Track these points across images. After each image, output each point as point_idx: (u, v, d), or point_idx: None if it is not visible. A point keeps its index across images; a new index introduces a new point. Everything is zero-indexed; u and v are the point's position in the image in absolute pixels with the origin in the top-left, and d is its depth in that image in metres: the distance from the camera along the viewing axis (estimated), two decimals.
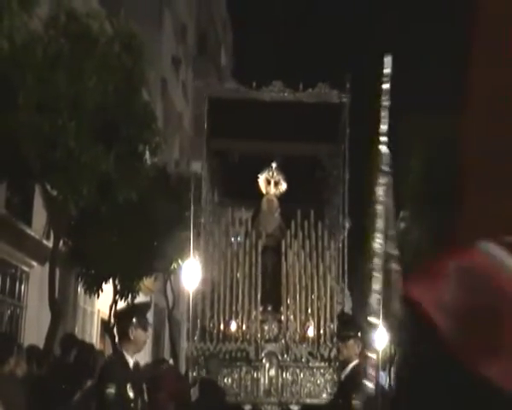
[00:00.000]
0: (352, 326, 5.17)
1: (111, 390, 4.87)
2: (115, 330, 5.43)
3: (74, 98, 8.59)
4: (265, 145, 11.00)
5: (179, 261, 15.89)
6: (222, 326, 10.21)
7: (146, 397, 5.33)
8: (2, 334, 9.65)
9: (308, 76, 10.84)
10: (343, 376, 4.97)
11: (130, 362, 5.26)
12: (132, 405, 5.02)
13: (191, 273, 17.00)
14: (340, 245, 10.25)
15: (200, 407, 7.93)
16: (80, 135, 8.63)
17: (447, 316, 2.28)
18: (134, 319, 5.26)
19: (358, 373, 4.99)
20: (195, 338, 10.15)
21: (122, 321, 5.31)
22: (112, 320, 14.74)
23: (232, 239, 11.60)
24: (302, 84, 10.31)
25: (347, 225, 10.27)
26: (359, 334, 5.00)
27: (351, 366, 4.94)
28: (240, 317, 10.20)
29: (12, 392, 5.58)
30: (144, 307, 5.83)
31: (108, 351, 14.53)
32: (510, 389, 2.20)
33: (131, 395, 5.01)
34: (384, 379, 21.02)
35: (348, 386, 4.70)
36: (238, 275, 10.45)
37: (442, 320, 2.29)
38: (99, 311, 18.04)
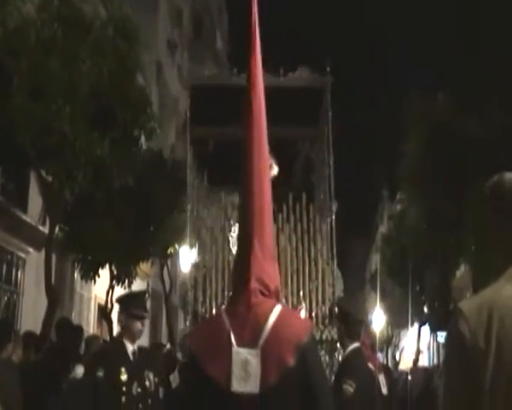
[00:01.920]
0: (358, 323, 5.16)
1: (100, 373, 4.92)
2: (115, 316, 5.47)
3: (68, 83, 8.54)
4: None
5: (176, 246, 15.94)
6: (214, 311, 10.23)
7: (147, 382, 5.35)
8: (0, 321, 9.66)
9: (290, 60, 10.85)
10: (341, 358, 4.97)
11: (130, 348, 5.29)
12: (124, 388, 5.04)
13: (187, 258, 17.04)
14: (329, 228, 10.30)
15: (179, 390, 7.86)
16: (75, 120, 8.59)
17: None
18: (129, 307, 5.29)
19: (355, 357, 5.01)
20: (187, 323, 10.18)
21: (121, 308, 5.35)
22: (108, 306, 14.78)
23: (225, 224, 11.61)
24: (282, 69, 10.34)
25: (334, 207, 10.31)
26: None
27: (348, 350, 4.93)
28: None
29: (9, 378, 5.60)
30: (139, 295, 5.85)
31: (105, 336, 14.59)
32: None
33: (124, 378, 5.03)
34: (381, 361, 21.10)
35: (343, 369, 4.70)
36: (230, 259, 10.47)
37: None
38: (96, 296, 18.07)
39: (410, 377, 13.98)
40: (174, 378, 8.63)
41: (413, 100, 14.77)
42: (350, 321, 4.97)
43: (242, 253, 2.96)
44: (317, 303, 9.78)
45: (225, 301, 10.18)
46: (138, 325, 5.38)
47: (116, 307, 5.52)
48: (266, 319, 2.79)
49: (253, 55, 3.30)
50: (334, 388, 3.85)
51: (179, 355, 10.93)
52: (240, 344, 2.75)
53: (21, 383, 5.72)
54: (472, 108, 13.81)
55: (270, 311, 2.82)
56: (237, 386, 2.71)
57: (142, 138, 10.33)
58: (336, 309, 5.18)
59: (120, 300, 5.50)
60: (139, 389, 5.23)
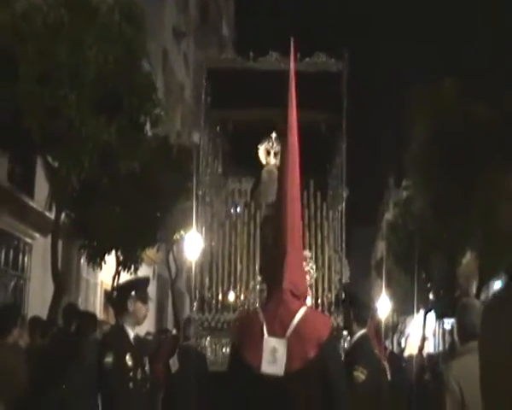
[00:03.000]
0: (366, 309, 5.15)
1: (109, 359, 4.93)
2: (114, 302, 5.47)
3: (75, 69, 8.55)
4: (264, 116, 10.98)
5: (182, 232, 15.98)
6: (220, 296, 10.26)
7: (147, 368, 5.39)
8: (5, 305, 9.71)
9: (306, 46, 10.81)
10: (349, 346, 4.96)
11: (131, 334, 5.32)
12: (131, 374, 5.08)
13: (194, 244, 17.08)
14: (339, 215, 10.28)
15: (182, 376, 7.87)
16: (81, 106, 8.60)
17: None
18: (133, 293, 5.30)
19: (364, 343, 5.01)
20: (194, 309, 10.21)
21: (121, 294, 5.36)
22: (115, 292, 14.86)
23: (232, 210, 11.63)
24: (300, 54, 10.30)
25: (345, 194, 10.30)
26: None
27: (356, 336, 4.91)
28: (238, 287, 10.26)
29: (15, 363, 5.64)
30: (144, 281, 5.87)
31: (111, 321, 14.68)
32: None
33: (130, 364, 5.06)
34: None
35: (353, 356, 4.69)
36: (237, 245, 10.49)
37: None
38: (102, 282, 18.16)
39: (414, 364, 14.02)
40: (173, 363, 8.64)
41: (419, 86, 14.69)
42: (358, 307, 4.96)
43: (278, 260, 3.50)
44: (323, 290, 9.81)
45: (231, 287, 10.23)
46: (145, 309, 5.41)
47: (118, 293, 5.50)
48: (294, 316, 3.34)
49: (292, 103, 4.02)
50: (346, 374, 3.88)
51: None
52: (270, 334, 3.31)
53: (28, 367, 5.77)
54: (479, 92, 13.74)
55: (298, 309, 3.38)
56: (266, 368, 3.28)
57: (148, 125, 10.34)
58: (343, 295, 5.16)
59: (130, 284, 5.50)
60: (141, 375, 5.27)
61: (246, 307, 10.02)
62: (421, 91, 14.72)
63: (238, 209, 11.43)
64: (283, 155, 3.86)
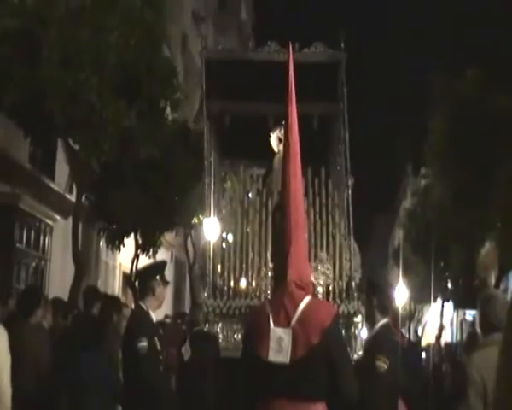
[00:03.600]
0: (390, 297, 5.12)
1: (144, 344, 4.99)
2: (137, 287, 5.53)
3: (96, 53, 8.59)
4: (264, 105, 11.00)
5: (200, 216, 16.03)
6: (232, 283, 10.30)
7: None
8: (29, 286, 9.83)
9: (305, 36, 10.81)
10: (370, 335, 4.94)
11: (154, 317, 5.39)
12: (161, 357, 5.16)
13: (211, 228, 17.14)
14: (345, 203, 10.29)
15: (195, 361, 7.90)
16: (102, 90, 8.64)
17: None
18: (157, 277, 5.36)
19: (387, 332, 4.99)
20: (205, 294, 10.26)
21: (145, 279, 5.41)
22: (134, 275, 14.95)
23: (239, 196, 11.67)
24: (298, 45, 10.29)
25: (350, 182, 10.30)
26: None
27: (378, 325, 4.88)
28: (250, 274, 10.30)
29: (39, 344, 5.72)
30: (164, 264, 5.94)
31: (130, 304, 14.79)
32: None
33: (159, 347, 5.14)
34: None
35: (375, 345, 4.67)
36: (248, 232, 10.52)
37: None
38: (121, 265, 18.30)
39: (431, 353, 14.03)
40: (186, 350, 8.68)
41: (440, 75, 14.59)
42: (381, 295, 4.93)
43: (282, 255, 3.68)
44: (334, 278, 9.82)
45: (243, 273, 10.29)
46: (165, 291, 5.48)
47: (141, 278, 5.55)
48: (298, 306, 3.53)
49: (291, 104, 4.07)
50: (365, 363, 3.90)
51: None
52: (276, 324, 3.50)
53: (51, 348, 5.86)
54: (501, 82, 13.62)
55: (302, 300, 3.56)
56: (273, 357, 3.47)
57: (168, 109, 10.36)
58: (366, 283, 5.13)
59: (153, 268, 5.55)
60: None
61: (257, 293, 10.07)
62: (442, 81, 14.62)
63: (250, 196, 11.47)
64: (284, 149, 3.96)
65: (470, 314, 15.11)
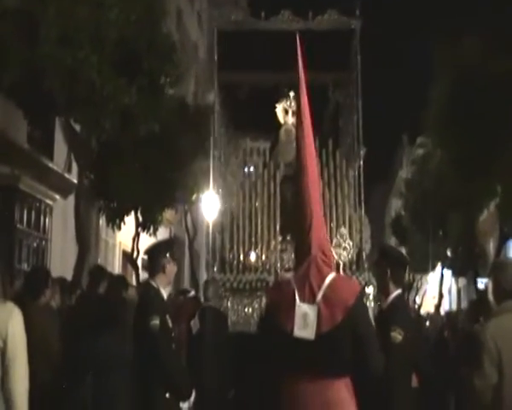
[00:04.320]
0: (404, 267, 5.05)
1: (156, 322, 4.97)
2: (147, 264, 5.51)
3: (96, 31, 8.51)
4: (277, 76, 10.91)
5: (199, 193, 16.01)
6: (242, 257, 10.29)
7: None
8: (37, 267, 9.81)
9: (317, 3, 10.69)
10: (384, 306, 4.89)
11: (164, 295, 5.38)
12: (173, 334, 5.16)
13: (211, 204, 17.11)
14: (356, 173, 10.24)
15: (203, 337, 7.92)
16: (102, 68, 8.57)
17: None
18: (167, 254, 5.35)
19: (401, 304, 4.97)
20: (215, 269, 10.26)
21: (155, 256, 5.39)
22: (135, 253, 14.96)
23: (246, 169, 11.63)
24: (311, 13, 10.19)
25: (362, 152, 10.24)
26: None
27: (391, 296, 4.84)
28: (259, 247, 10.28)
29: (49, 324, 5.71)
30: (173, 241, 5.91)
31: (131, 281, 14.82)
32: None
33: (170, 325, 5.14)
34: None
35: (389, 316, 4.63)
36: (257, 205, 10.48)
37: None
38: (120, 243, 18.31)
39: (430, 321, 14.11)
40: (195, 324, 8.70)
41: (440, 44, 14.49)
42: (396, 266, 4.87)
43: (303, 231, 3.70)
44: (344, 249, 9.82)
45: (252, 247, 10.28)
46: (175, 268, 5.48)
47: (151, 255, 5.54)
48: (323, 282, 3.55)
49: (301, 84, 4.01)
50: (379, 335, 3.88)
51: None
52: (302, 300, 3.53)
53: (62, 327, 5.86)
54: (501, 49, 13.54)
55: (327, 275, 3.58)
56: (298, 332, 3.49)
57: (168, 85, 10.28)
58: (379, 253, 5.04)
59: (164, 245, 5.54)
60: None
61: (267, 266, 10.08)
62: (443, 49, 14.52)
63: (251, 169, 11.45)
64: (297, 124, 3.97)
65: (482, 282, 15.13)
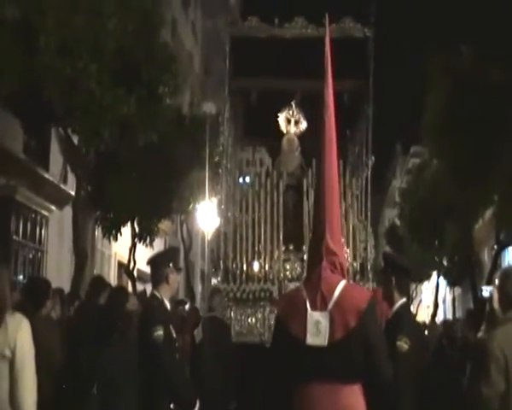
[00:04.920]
0: (389, 263, 5.03)
1: (159, 333, 4.94)
2: (150, 275, 5.49)
3: (94, 40, 8.50)
4: (288, 83, 10.86)
5: (196, 203, 16.00)
6: (245, 267, 10.25)
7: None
8: (38, 278, 9.75)
9: (332, 10, 10.68)
10: (389, 314, 4.87)
11: (168, 305, 5.36)
12: (177, 344, 5.13)
13: (207, 214, 17.09)
14: (364, 182, 10.20)
15: (205, 346, 7.90)
16: (101, 77, 8.56)
17: None
18: (171, 264, 5.32)
19: (406, 312, 4.95)
20: (218, 279, 10.21)
21: (158, 266, 5.36)
22: (132, 263, 14.91)
23: (247, 178, 11.62)
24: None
25: (371, 161, 10.21)
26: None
27: (397, 305, 4.83)
28: (262, 257, 10.25)
29: (51, 336, 5.66)
30: (176, 250, 5.89)
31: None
32: None
33: (174, 335, 5.11)
34: None
35: (395, 325, 4.61)
36: (260, 215, 10.45)
37: None
38: (116, 254, 18.26)
39: (428, 331, 14.08)
40: (198, 333, 8.67)
41: (437, 52, 14.52)
42: (401, 274, 4.86)
43: (316, 239, 3.74)
44: (348, 258, 9.79)
45: (256, 257, 10.24)
46: (177, 277, 5.46)
47: (155, 266, 5.51)
48: (334, 290, 3.57)
49: (327, 85, 4.08)
50: (386, 343, 3.86)
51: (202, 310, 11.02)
52: (313, 308, 3.55)
53: (62, 339, 5.81)
54: (496, 57, 13.58)
55: (337, 284, 3.60)
56: (310, 340, 3.51)
57: (167, 95, 10.27)
58: (383, 263, 5.03)
59: (167, 256, 5.51)
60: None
61: (271, 276, 10.05)
62: (439, 58, 14.56)
63: (256, 177, 11.44)
64: (321, 138, 3.94)
65: (486, 290, 15.11)
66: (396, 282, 4.76)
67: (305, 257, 10.12)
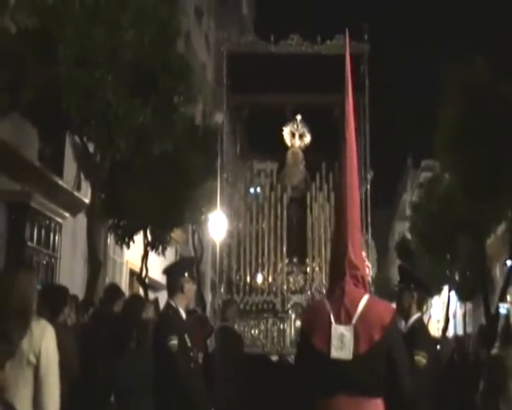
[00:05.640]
0: (407, 277, 5.05)
1: (174, 342, 4.99)
2: (166, 284, 5.53)
3: (112, 51, 8.59)
4: (286, 99, 11.00)
5: (208, 213, 16.04)
6: (248, 279, 10.30)
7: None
8: (56, 285, 9.80)
9: (326, 28, 10.86)
10: (405, 329, 4.87)
11: (184, 315, 5.39)
12: (192, 354, 5.17)
13: (218, 224, 17.11)
14: (363, 197, 10.28)
15: (218, 355, 7.94)
16: (118, 88, 8.64)
17: None
18: (186, 273, 5.36)
19: (423, 327, 4.96)
20: (222, 290, 10.27)
21: (174, 276, 5.40)
22: (144, 272, 14.96)
23: (252, 190, 11.67)
24: (320, 37, 10.31)
25: (370, 176, 10.28)
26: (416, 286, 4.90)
27: (412, 319, 4.84)
28: (266, 269, 10.31)
29: (68, 344, 5.70)
30: (192, 260, 5.94)
31: None
32: None
33: (189, 344, 5.15)
34: None
35: (412, 340, 4.61)
36: (264, 227, 10.52)
37: None
38: (127, 262, 18.32)
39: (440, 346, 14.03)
40: (211, 343, 8.72)
41: (450, 66, 14.50)
42: (421, 289, 4.89)
43: (339, 254, 3.74)
44: None
45: (259, 269, 10.29)
46: (193, 287, 5.50)
47: (170, 275, 5.55)
48: (358, 304, 3.59)
49: (348, 99, 4.05)
50: None
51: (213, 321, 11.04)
52: (337, 322, 3.56)
53: (79, 346, 5.85)
54: (510, 69, 13.55)
55: (361, 297, 3.62)
56: (335, 353, 3.52)
57: (182, 105, 10.35)
58: (401, 276, 5.04)
59: (182, 265, 5.56)
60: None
61: (274, 288, 10.10)
62: (451, 70, 14.55)
63: (258, 189, 11.50)
64: (342, 152, 3.93)
65: (504, 307, 15.05)
66: (417, 297, 4.78)
67: (308, 270, 10.23)
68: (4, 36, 6.65)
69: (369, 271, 9.69)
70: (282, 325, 9.89)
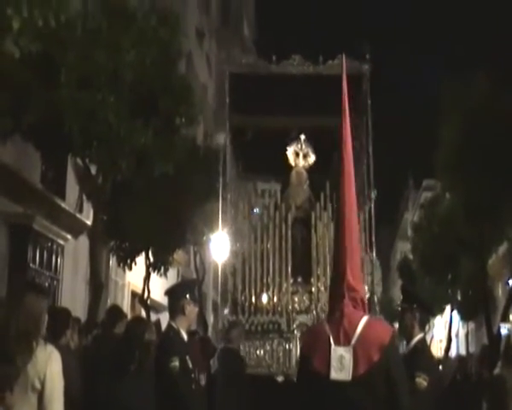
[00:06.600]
0: (410, 297, 5.06)
1: (175, 363, 5.00)
2: (168, 306, 5.55)
3: (113, 73, 8.65)
4: (288, 119, 11.05)
5: (209, 234, 16.06)
6: (253, 299, 10.29)
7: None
8: (58, 308, 9.81)
9: (328, 47, 10.91)
10: (406, 350, 4.88)
11: (185, 336, 5.40)
12: (193, 375, 5.17)
13: (220, 245, 17.13)
14: (367, 216, 10.30)
15: (220, 376, 7.93)
16: (119, 109, 8.69)
17: None
18: (187, 295, 5.37)
19: (425, 348, 4.95)
20: (226, 311, 10.26)
21: (175, 298, 5.42)
22: (146, 293, 14.96)
23: (255, 210, 11.70)
24: (322, 57, 10.37)
25: (373, 195, 10.30)
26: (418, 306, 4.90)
27: (415, 340, 4.84)
28: (271, 289, 10.29)
29: (70, 366, 5.69)
30: (194, 282, 5.95)
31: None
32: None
33: (190, 366, 5.15)
34: None
35: (413, 361, 4.61)
36: (268, 247, 10.52)
37: None
38: (129, 283, 18.31)
39: (443, 366, 13.97)
40: (214, 364, 8.72)
41: (450, 84, 14.52)
42: (423, 309, 4.89)
43: (337, 276, 3.76)
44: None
45: (264, 289, 10.28)
46: (195, 309, 5.51)
47: (171, 297, 5.56)
48: (357, 325, 3.61)
49: (345, 120, 4.23)
50: None
51: (216, 342, 11.02)
52: (336, 344, 3.58)
53: (81, 368, 5.84)
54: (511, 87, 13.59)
55: (360, 319, 3.65)
56: (334, 375, 3.54)
57: (183, 126, 10.40)
58: (404, 296, 5.06)
59: (184, 287, 5.58)
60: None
61: (279, 309, 10.08)
62: (451, 89, 14.58)
63: (257, 210, 11.53)
64: (340, 174, 3.99)
65: (504, 327, 15.01)
66: (420, 317, 4.78)
67: (314, 289, 10.23)
68: (7, 60, 6.69)
69: (367, 291, 9.69)
70: (287, 346, 9.88)
